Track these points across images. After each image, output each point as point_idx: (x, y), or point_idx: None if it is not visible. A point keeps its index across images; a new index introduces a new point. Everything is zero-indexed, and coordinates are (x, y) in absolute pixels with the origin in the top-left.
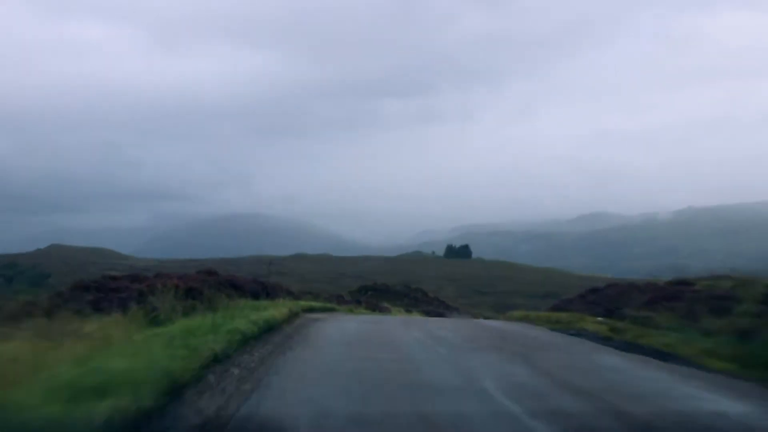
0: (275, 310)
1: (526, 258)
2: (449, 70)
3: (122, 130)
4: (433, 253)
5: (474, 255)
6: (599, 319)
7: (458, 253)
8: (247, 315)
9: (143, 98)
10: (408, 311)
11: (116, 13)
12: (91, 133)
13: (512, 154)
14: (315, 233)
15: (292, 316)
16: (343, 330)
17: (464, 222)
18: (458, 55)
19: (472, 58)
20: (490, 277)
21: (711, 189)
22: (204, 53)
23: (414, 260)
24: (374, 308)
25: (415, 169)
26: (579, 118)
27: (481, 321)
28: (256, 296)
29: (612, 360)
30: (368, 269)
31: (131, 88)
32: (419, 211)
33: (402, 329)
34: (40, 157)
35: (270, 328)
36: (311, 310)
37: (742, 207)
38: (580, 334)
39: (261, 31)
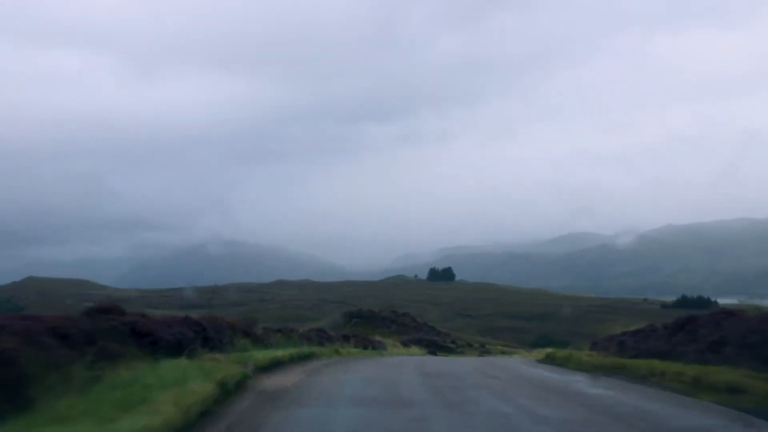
0: (173, 392)
1: (509, 279)
2: (427, 94)
3: (100, 159)
4: (416, 276)
5: (457, 278)
6: None
7: (441, 276)
8: None
9: (121, 127)
10: (405, 345)
11: (92, 42)
12: (69, 163)
13: (492, 175)
14: (296, 259)
15: (222, 396)
16: None
17: (446, 245)
18: (436, 78)
19: (449, 80)
20: (474, 300)
21: (689, 207)
22: (181, 81)
23: (397, 284)
24: (365, 344)
25: (395, 192)
26: (557, 138)
27: (527, 369)
28: (176, 351)
29: None
30: (351, 294)
31: (108, 117)
32: (401, 235)
33: (441, 408)
34: (15, 189)
35: None
36: (276, 364)
37: (721, 224)
38: None
39: (238, 58)
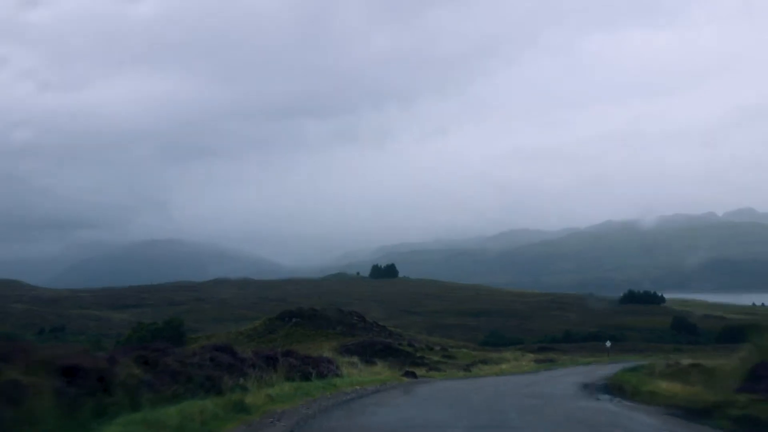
0: None
1: (451, 276)
2: (363, 91)
3: (27, 158)
4: (358, 273)
5: (400, 275)
6: None
7: (384, 273)
8: None
9: (50, 126)
10: (368, 362)
11: (16, 39)
12: None
13: (430, 173)
14: (236, 257)
15: None
16: None
17: (386, 243)
18: (371, 75)
19: (385, 77)
20: (418, 296)
21: (627, 203)
22: (112, 78)
23: (339, 282)
24: (306, 369)
25: (335, 190)
26: (494, 136)
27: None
28: None
29: None
30: (292, 293)
31: (35, 116)
32: (341, 233)
33: None
34: None
35: None
36: None
37: (659, 220)
38: None
39: (169, 55)
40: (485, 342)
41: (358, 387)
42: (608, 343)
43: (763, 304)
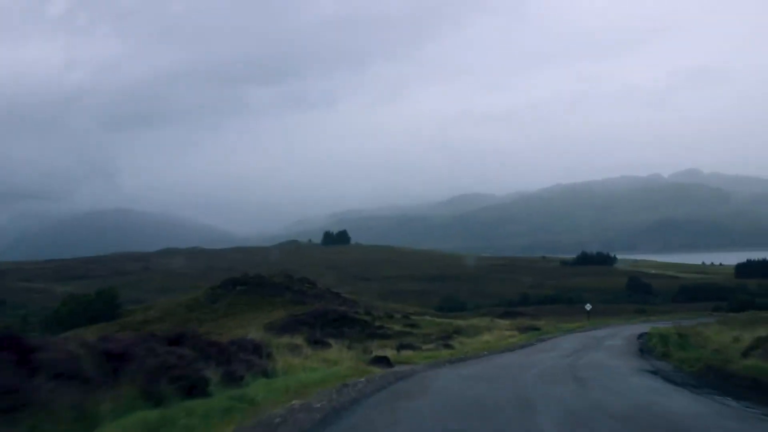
0: None
1: (404, 242)
2: (311, 55)
3: None
4: (310, 240)
5: (352, 241)
6: None
7: (336, 239)
8: None
9: None
10: (318, 343)
11: None
12: None
13: (381, 138)
14: (185, 226)
15: None
16: None
17: (339, 209)
18: (318, 39)
19: (333, 41)
20: (372, 262)
21: (577, 166)
22: (47, 42)
23: (291, 249)
24: (197, 374)
25: (286, 156)
26: (444, 99)
27: None
28: None
29: None
30: (242, 261)
31: None
32: (292, 200)
33: None
34: None
35: None
36: None
37: (607, 182)
38: None
39: (107, 18)
40: (441, 307)
41: (296, 402)
42: (588, 306)
43: (712, 263)
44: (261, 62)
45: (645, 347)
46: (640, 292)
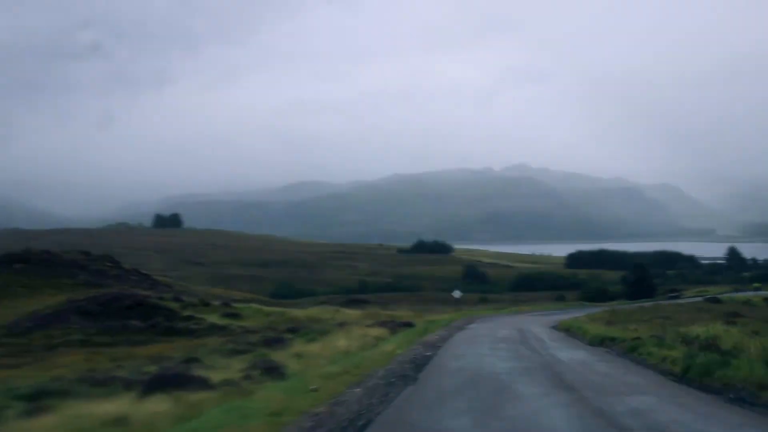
0: None
1: (240, 228)
2: (140, 34)
3: None
4: (140, 224)
5: (186, 225)
6: None
7: (168, 222)
8: None
9: None
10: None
11: None
12: None
13: (217, 122)
14: (4, 206)
15: None
16: None
17: (173, 193)
18: (151, 18)
19: (164, 21)
20: (203, 246)
21: (415, 158)
22: None
23: (118, 232)
24: None
25: (116, 137)
26: (279, 86)
27: None
28: None
29: None
30: (63, 243)
31: None
32: (126, 182)
33: None
34: None
35: None
36: None
37: (443, 174)
38: None
39: None
40: (275, 294)
41: None
42: (457, 294)
43: (542, 254)
44: (90, 39)
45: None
46: (477, 281)
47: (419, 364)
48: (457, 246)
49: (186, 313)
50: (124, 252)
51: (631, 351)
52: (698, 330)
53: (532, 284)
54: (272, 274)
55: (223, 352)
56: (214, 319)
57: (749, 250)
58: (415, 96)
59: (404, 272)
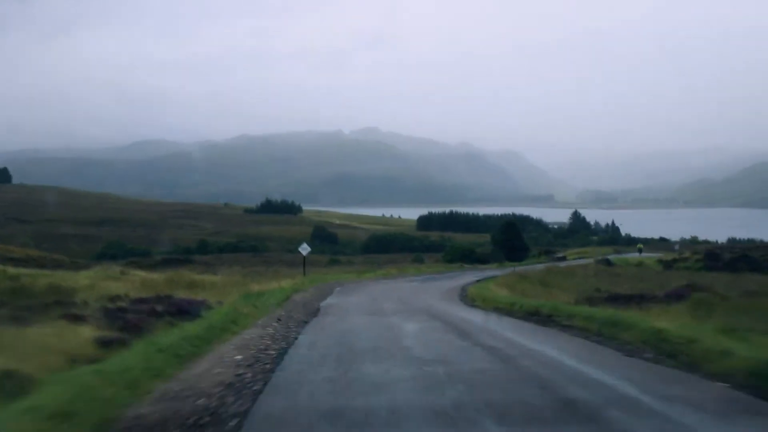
0: None
1: (80, 186)
2: None
3: None
4: None
5: (16, 181)
6: None
7: None
8: None
9: None
10: None
11: None
12: None
13: (54, 76)
14: None
15: None
16: None
17: (7, 148)
18: None
19: None
20: (33, 203)
21: (262, 119)
22: None
23: None
24: None
25: None
26: (123, 42)
27: None
28: None
29: None
30: None
31: None
32: None
33: None
34: None
35: None
36: None
37: (292, 136)
38: None
39: None
40: (102, 254)
41: None
42: (305, 249)
43: (392, 216)
44: None
45: None
46: (326, 242)
47: None
48: (306, 208)
49: None
50: None
51: None
52: None
53: (385, 246)
54: (107, 234)
55: None
56: None
57: (588, 215)
58: (264, 57)
59: (250, 232)
